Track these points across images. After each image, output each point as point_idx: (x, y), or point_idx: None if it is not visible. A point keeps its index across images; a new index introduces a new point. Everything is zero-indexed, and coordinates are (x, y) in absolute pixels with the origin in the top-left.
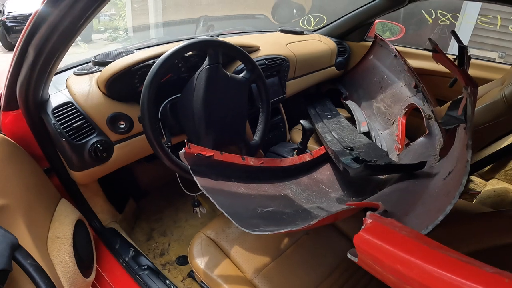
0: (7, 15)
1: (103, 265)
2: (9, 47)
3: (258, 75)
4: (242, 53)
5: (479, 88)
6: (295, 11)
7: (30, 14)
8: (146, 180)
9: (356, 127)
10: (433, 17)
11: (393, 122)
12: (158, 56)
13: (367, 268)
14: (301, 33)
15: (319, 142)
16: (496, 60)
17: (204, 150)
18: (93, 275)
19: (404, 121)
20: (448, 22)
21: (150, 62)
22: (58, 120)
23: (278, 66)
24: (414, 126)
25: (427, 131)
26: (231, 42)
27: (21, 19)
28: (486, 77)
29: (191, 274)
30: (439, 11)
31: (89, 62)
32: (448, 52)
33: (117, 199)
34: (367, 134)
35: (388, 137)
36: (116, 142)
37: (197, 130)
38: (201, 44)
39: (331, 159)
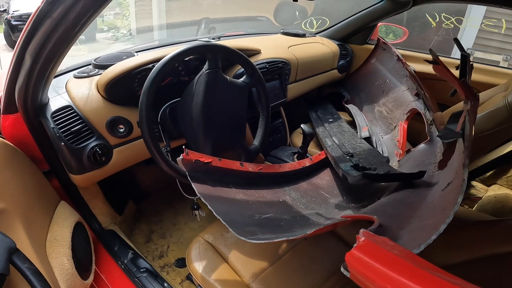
0: (12, 13)
1: (101, 267)
2: (14, 46)
3: (258, 79)
4: (242, 57)
5: (482, 93)
6: (297, 13)
7: None
8: (146, 182)
9: (357, 132)
10: (437, 20)
11: (395, 127)
12: (157, 60)
13: (358, 283)
14: (303, 35)
15: (320, 146)
16: (500, 63)
17: (203, 157)
18: (91, 277)
19: (406, 126)
20: (452, 25)
21: (149, 66)
22: (57, 124)
23: (279, 69)
24: (415, 131)
25: (428, 138)
26: (232, 45)
27: (25, 18)
28: (490, 82)
29: (189, 277)
30: (443, 14)
31: (89, 64)
32: (451, 56)
33: (116, 201)
34: (368, 139)
35: (389, 142)
36: (115, 146)
37: (196, 135)
38: (200, 49)
39: (331, 164)
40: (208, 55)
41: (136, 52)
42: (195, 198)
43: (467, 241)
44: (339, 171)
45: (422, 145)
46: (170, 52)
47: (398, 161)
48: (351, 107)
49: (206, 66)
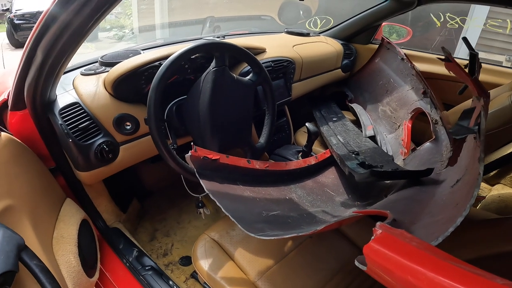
0: (15, 12)
1: (106, 265)
2: (16, 45)
3: (265, 78)
4: (249, 55)
5: None
6: (301, 12)
7: (37, 12)
8: (151, 181)
9: (361, 131)
10: (441, 20)
11: (399, 126)
12: (164, 58)
13: (375, 277)
14: (307, 35)
15: (324, 144)
16: (503, 64)
17: (210, 153)
18: (96, 275)
19: (410, 125)
20: (457, 25)
21: (156, 63)
22: (65, 121)
23: (284, 68)
24: (420, 130)
25: (434, 137)
26: (238, 44)
27: (28, 17)
28: (494, 81)
29: (194, 275)
30: (448, 14)
31: (96, 62)
32: (454, 56)
33: (121, 199)
34: (373, 138)
35: (393, 141)
36: (122, 143)
37: (203, 132)
38: (208, 47)
39: (336, 162)
40: (216, 53)
41: (142, 50)
42: (200, 196)
43: (472, 239)
44: (345, 169)
45: (427, 144)
46: (176, 50)
47: (403, 159)
48: (355, 106)
49: (213, 64)
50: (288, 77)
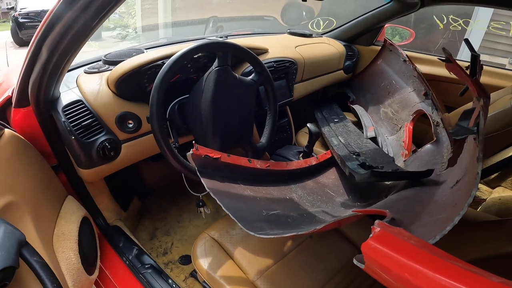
0: (20, 11)
1: (106, 263)
2: (21, 43)
3: (267, 78)
4: (252, 55)
5: None
6: (304, 13)
7: (42, 11)
8: (152, 179)
9: (362, 132)
10: (444, 22)
11: (400, 128)
12: (167, 57)
13: (373, 275)
14: (310, 35)
15: (325, 145)
16: (507, 66)
17: (212, 152)
18: (96, 273)
19: (411, 127)
20: (460, 28)
21: (159, 62)
22: (68, 118)
23: (286, 68)
24: (421, 132)
25: (435, 138)
26: (240, 44)
27: (33, 16)
28: (496, 84)
29: (193, 274)
30: (451, 16)
31: (99, 60)
32: (457, 58)
33: (122, 197)
34: (374, 139)
35: (394, 143)
36: (124, 141)
37: (204, 131)
38: (210, 46)
39: (337, 163)
40: (218, 52)
41: (145, 49)
42: (200, 195)
43: (473, 240)
44: (346, 169)
45: (428, 146)
46: (179, 49)
47: (404, 161)
48: (357, 108)
49: (216, 63)
50: (290, 78)
